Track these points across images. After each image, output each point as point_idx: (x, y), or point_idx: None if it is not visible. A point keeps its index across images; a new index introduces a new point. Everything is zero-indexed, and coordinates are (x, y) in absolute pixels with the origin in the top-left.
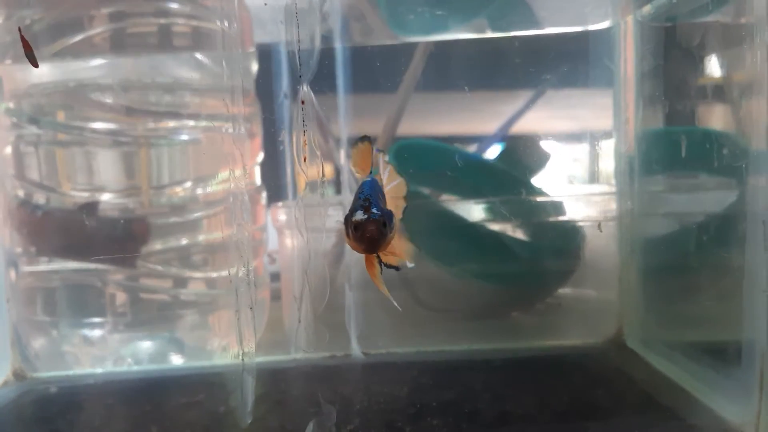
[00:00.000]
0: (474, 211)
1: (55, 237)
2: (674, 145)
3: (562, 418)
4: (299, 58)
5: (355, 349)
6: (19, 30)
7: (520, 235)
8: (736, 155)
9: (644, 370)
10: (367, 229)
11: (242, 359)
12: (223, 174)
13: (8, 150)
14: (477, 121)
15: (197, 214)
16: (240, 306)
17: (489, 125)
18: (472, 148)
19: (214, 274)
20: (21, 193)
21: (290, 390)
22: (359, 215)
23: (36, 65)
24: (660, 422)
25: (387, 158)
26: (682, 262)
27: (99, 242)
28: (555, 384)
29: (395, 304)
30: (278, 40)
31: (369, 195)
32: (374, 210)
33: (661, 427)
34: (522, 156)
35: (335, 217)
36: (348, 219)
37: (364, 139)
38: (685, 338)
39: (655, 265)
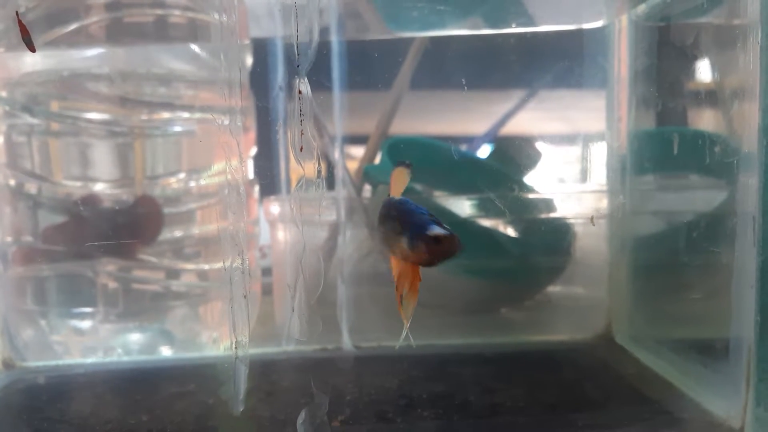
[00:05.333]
0: (465, 208)
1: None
2: (666, 145)
3: (551, 410)
4: (297, 48)
5: (347, 343)
6: (17, 14)
7: (511, 231)
8: (727, 155)
9: (633, 365)
10: (454, 242)
11: (235, 348)
12: (217, 166)
13: (0, 139)
14: (469, 120)
15: (191, 206)
16: (234, 295)
17: (481, 124)
18: (463, 147)
19: (206, 266)
20: (12, 182)
21: (281, 382)
22: (437, 229)
23: (33, 50)
24: (648, 415)
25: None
26: (671, 260)
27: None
28: (544, 378)
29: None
30: (272, 35)
31: (426, 212)
32: (445, 225)
33: (649, 420)
34: (514, 154)
35: (329, 210)
36: (416, 232)
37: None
38: (674, 334)
39: (645, 263)
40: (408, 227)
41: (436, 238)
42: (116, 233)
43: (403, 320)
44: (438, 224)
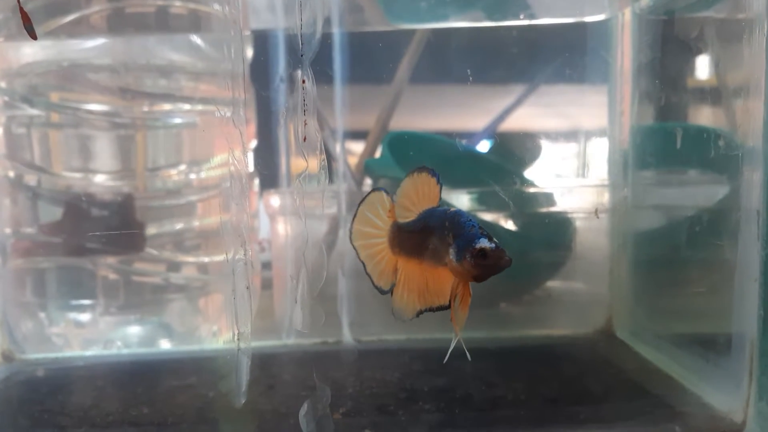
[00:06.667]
0: (466, 202)
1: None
2: (669, 139)
3: (553, 404)
4: (301, 37)
5: (347, 336)
6: (18, 2)
7: (511, 226)
8: (731, 150)
9: (633, 359)
10: (503, 258)
11: (238, 340)
12: (218, 158)
13: None
14: (471, 115)
15: (191, 198)
16: (236, 287)
17: (483, 118)
18: (464, 141)
19: (207, 259)
20: (12, 173)
21: (281, 375)
22: (485, 242)
23: (35, 37)
24: (649, 409)
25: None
26: (673, 255)
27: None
28: (545, 372)
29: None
30: (272, 26)
31: (478, 224)
32: (495, 239)
33: (650, 414)
34: (514, 148)
35: (329, 203)
36: (466, 246)
37: (426, 170)
38: (675, 329)
39: (646, 258)
40: (456, 240)
41: (483, 252)
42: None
43: (455, 331)
44: (487, 238)
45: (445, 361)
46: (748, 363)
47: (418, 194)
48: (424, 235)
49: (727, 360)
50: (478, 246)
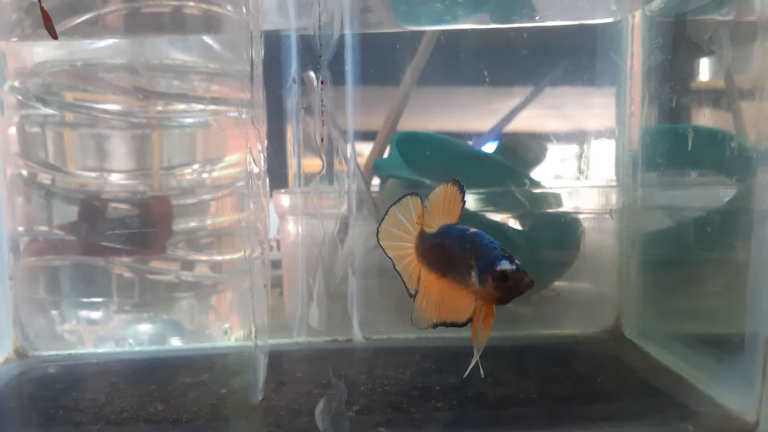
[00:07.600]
0: (474, 202)
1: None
2: (680, 141)
3: (564, 402)
4: (320, 38)
5: (357, 335)
6: (39, 1)
7: (520, 226)
8: (744, 151)
9: (643, 359)
10: (524, 280)
11: (255, 337)
12: (230, 158)
13: (12, 130)
14: (479, 116)
15: (205, 197)
16: (254, 284)
17: (490, 120)
18: (470, 142)
19: (220, 258)
20: (25, 172)
21: (293, 372)
22: (506, 264)
23: (55, 37)
24: (661, 408)
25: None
26: (683, 255)
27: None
28: (555, 371)
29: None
30: (282, 27)
31: (500, 246)
32: (517, 261)
33: (661, 413)
34: (523, 149)
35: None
36: (487, 268)
37: (456, 184)
38: (685, 329)
39: (656, 258)
40: (478, 262)
41: (503, 274)
42: (128, 234)
43: (474, 351)
44: (509, 259)
45: (465, 376)
46: (761, 363)
47: (443, 207)
48: (441, 251)
49: (740, 360)
50: (499, 268)
